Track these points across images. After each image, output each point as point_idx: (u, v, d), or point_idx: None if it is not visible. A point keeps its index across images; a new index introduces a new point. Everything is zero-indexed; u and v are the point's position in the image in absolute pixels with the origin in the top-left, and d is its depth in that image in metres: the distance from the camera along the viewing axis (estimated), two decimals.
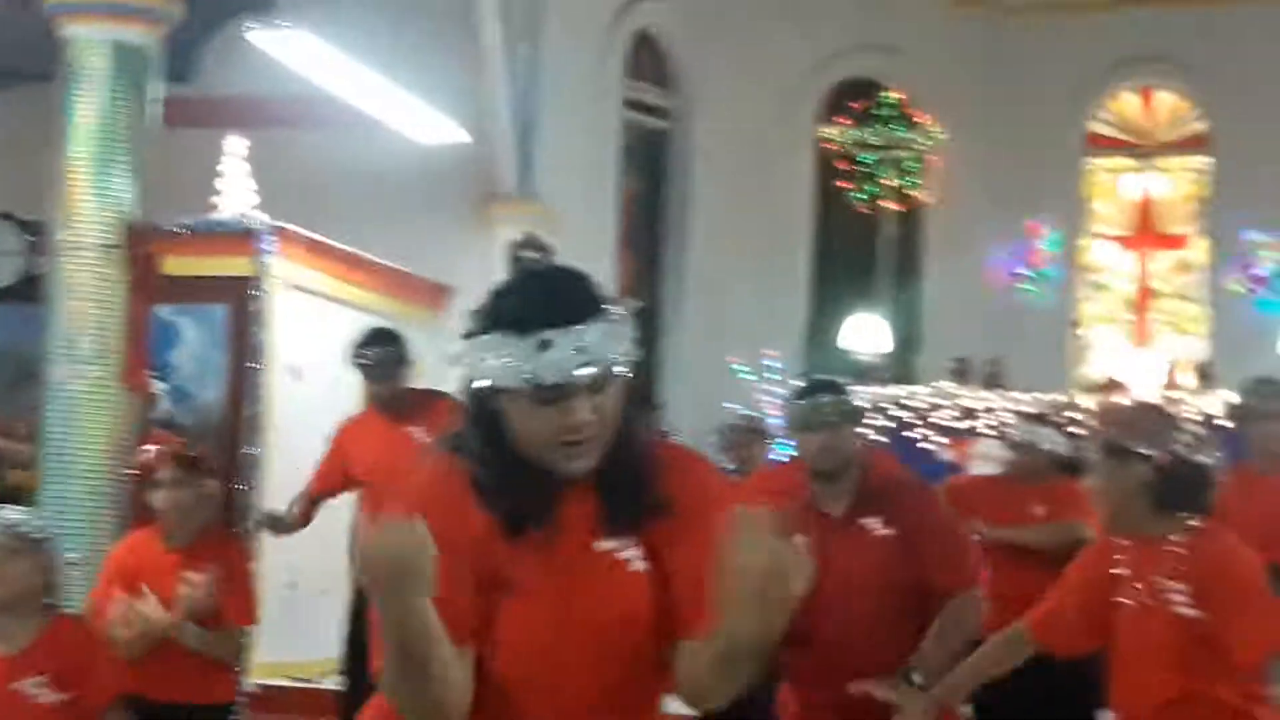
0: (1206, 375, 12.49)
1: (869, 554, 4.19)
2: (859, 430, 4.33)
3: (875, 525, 4.25)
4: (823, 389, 4.33)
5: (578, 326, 2.21)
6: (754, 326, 13.10)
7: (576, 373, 2.20)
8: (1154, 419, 3.99)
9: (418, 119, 10.34)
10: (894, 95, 14.27)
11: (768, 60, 13.92)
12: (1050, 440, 6.37)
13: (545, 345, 2.20)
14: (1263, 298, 13.10)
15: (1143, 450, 3.85)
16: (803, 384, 4.44)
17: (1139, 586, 3.85)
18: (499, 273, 11.44)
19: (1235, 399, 6.22)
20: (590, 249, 12.36)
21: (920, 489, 4.48)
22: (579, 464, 2.27)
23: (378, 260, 8.73)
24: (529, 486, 2.28)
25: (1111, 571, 3.90)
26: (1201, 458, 3.90)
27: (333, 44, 9.18)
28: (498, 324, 2.23)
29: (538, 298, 2.24)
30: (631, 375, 2.28)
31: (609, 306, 2.26)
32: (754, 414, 8.58)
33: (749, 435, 7.70)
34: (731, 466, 7.57)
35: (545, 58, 11.95)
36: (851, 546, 4.16)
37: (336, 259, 8.29)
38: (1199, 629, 3.73)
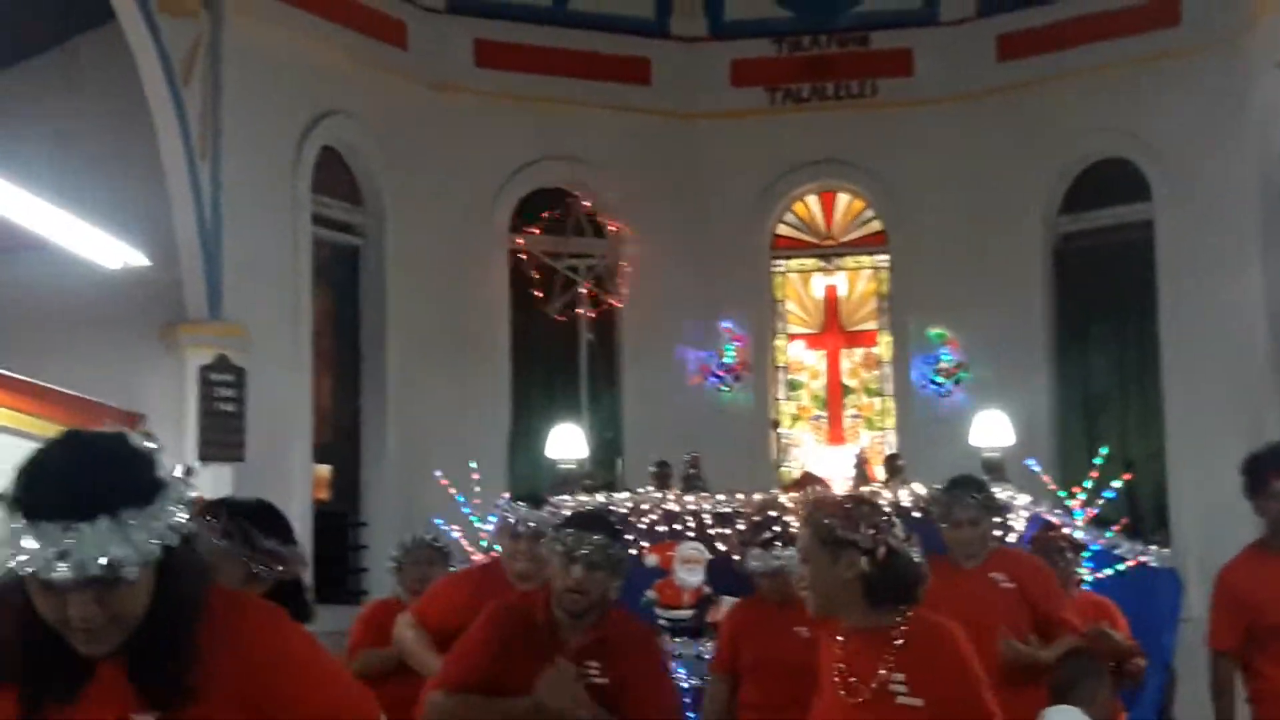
0: (895, 468, 12.82)
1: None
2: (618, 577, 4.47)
3: (595, 672, 4.29)
4: (595, 526, 4.43)
5: (76, 524, 2.11)
6: (457, 439, 13.02)
7: (53, 575, 2.12)
8: (867, 510, 4.06)
9: (97, 243, 10.05)
10: (582, 202, 14.44)
11: (457, 173, 13.96)
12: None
13: (35, 536, 2.12)
14: (946, 390, 13.54)
15: (859, 541, 3.90)
16: (574, 521, 4.57)
17: (855, 680, 3.89)
18: (191, 397, 11.16)
19: (925, 490, 6.44)
20: (284, 367, 12.16)
21: (644, 640, 4.58)
22: (91, 648, 2.21)
23: (60, 390, 8.42)
24: (51, 662, 2.21)
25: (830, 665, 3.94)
26: (912, 550, 3.99)
27: (3, 167, 8.88)
28: (11, 500, 2.16)
29: (41, 484, 2.15)
30: (175, 552, 2.21)
31: (137, 494, 2.17)
32: (435, 535, 8.49)
33: (429, 555, 7.61)
34: (408, 590, 7.44)
35: (229, 175, 11.77)
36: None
37: (14, 390, 7.98)
38: (921, 717, 3.79)
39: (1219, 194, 12.89)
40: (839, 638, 3.98)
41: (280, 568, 3.98)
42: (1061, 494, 11.30)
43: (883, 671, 3.88)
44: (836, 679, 3.93)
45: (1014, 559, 6.41)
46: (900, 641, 3.89)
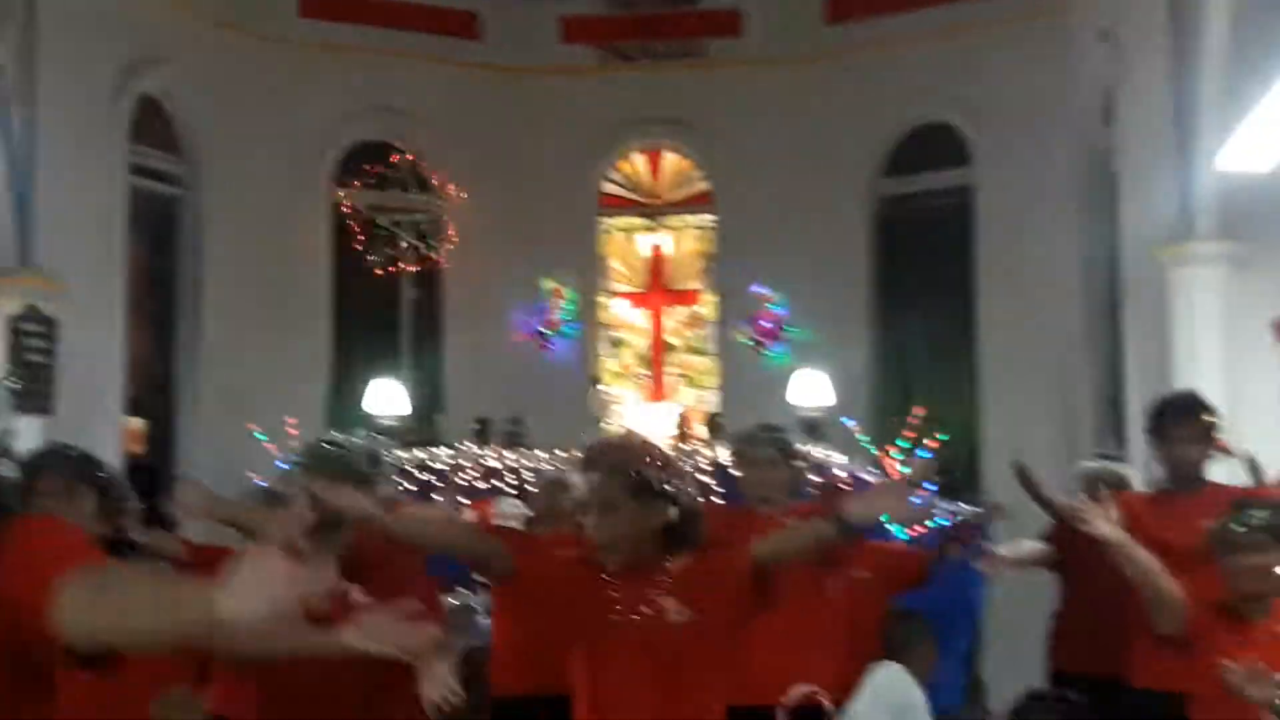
0: (715, 426, 12.91)
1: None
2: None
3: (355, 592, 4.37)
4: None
5: None
6: (275, 393, 12.85)
7: None
8: (675, 462, 4.14)
9: None
10: (408, 157, 14.30)
11: (280, 124, 13.74)
12: None
13: None
14: (768, 350, 13.65)
15: (672, 493, 3.96)
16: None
17: (631, 611, 3.98)
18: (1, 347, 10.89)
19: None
20: (97, 320, 11.90)
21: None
22: None
23: None
24: None
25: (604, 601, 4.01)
26: (696, 499, 4.07)
27: None
28: None
29: None
30: None
31: None
32: (272, 483, 8.41)
33: (267, 502, 7.54)
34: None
35: (43, 123, 11.45)
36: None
37: None
38: (691, 631, 3.90)
39: (1039, 161, 13.11)
40: (614, 578, 4.04)
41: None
42: (876, 452, 11.45)
43: (657, 599, 3.98)
44: (615, 615, 4.00)
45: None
46: (674, 574, 4.01)
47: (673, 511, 4.01)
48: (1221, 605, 5.06)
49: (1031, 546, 7.61)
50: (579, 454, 4.54)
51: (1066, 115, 12.93)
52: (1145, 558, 5.09)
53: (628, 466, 4.01)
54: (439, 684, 4.17)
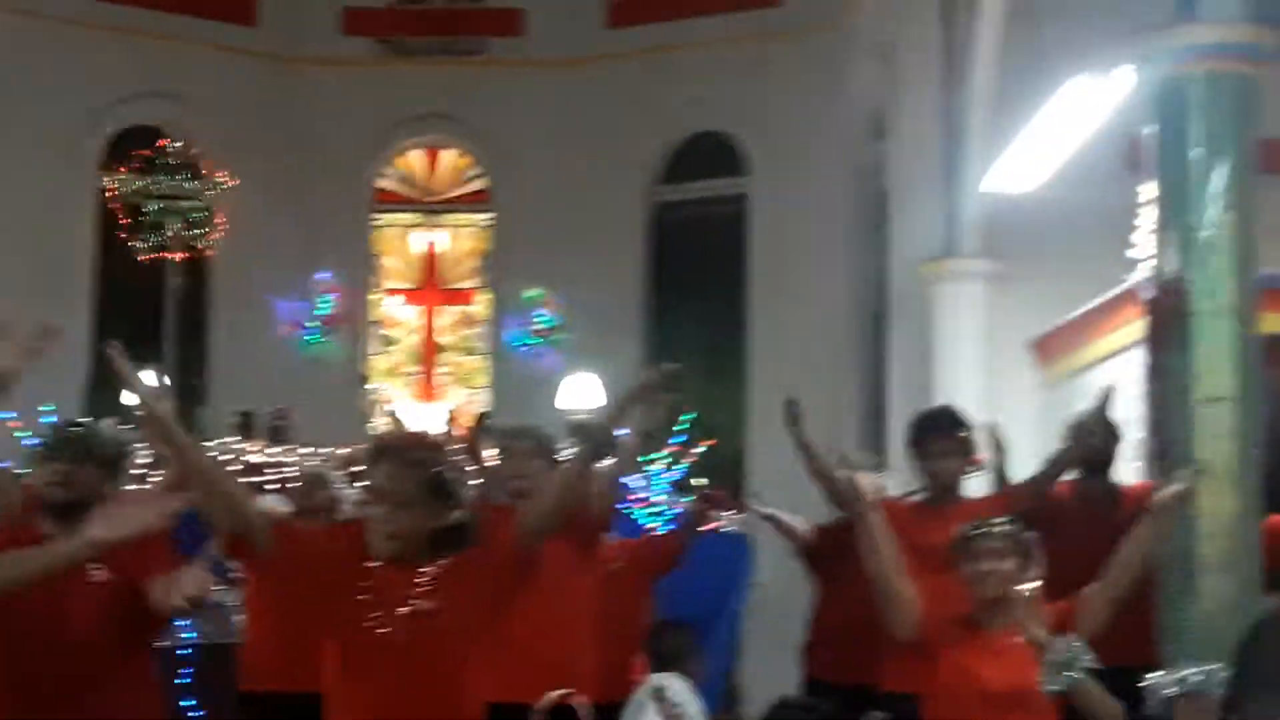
0: (484, 426, 12.83)
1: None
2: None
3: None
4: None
5: None
6: (32, 382, 12.41)
7: None
8: (462, 465, 4.15)
9: None
10: (178, 144, 13.98)
11: (46, 107, 13.35)
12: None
13: None
14: (539, 350, 13.63)
15: (461, 495, 3.96)
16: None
17: (385, 611, 3.98)
18: None
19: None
20: None
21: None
22: None
23: None
24: None
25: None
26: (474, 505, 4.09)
27: None
28: None
29: None
30: None
31: None
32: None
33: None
34: None
35: None
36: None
37: None
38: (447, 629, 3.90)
39: (813, 174, 13.29)
40: (377, 573, 4.02)
41: None
42: (644, 459, 11.49)
43: (416, 597, 3.97)
44: (371, 610, 3.97)
45: None
46: (437, 573, 4.00)
47: (456, 515, 3.99)
48: (960, 614, 5.16)
49: (792, 519, 7.66)
50: (367, 445, 4.48)
51: (840, 130, 13.14)
52: (890, 554, 5.16)
53: (428, 463, 3.98)
54: (191, 582, 4.11)
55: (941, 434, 6.49)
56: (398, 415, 9.54)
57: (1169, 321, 6.13)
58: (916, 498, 6.59)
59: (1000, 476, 7.10)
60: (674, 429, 11.49)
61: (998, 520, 5.23)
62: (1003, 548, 5.11)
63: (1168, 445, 6.13)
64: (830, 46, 13.13)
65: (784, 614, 8.18)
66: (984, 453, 6.85)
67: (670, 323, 14.25)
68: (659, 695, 6.08)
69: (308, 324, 13.75)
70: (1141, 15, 6.44)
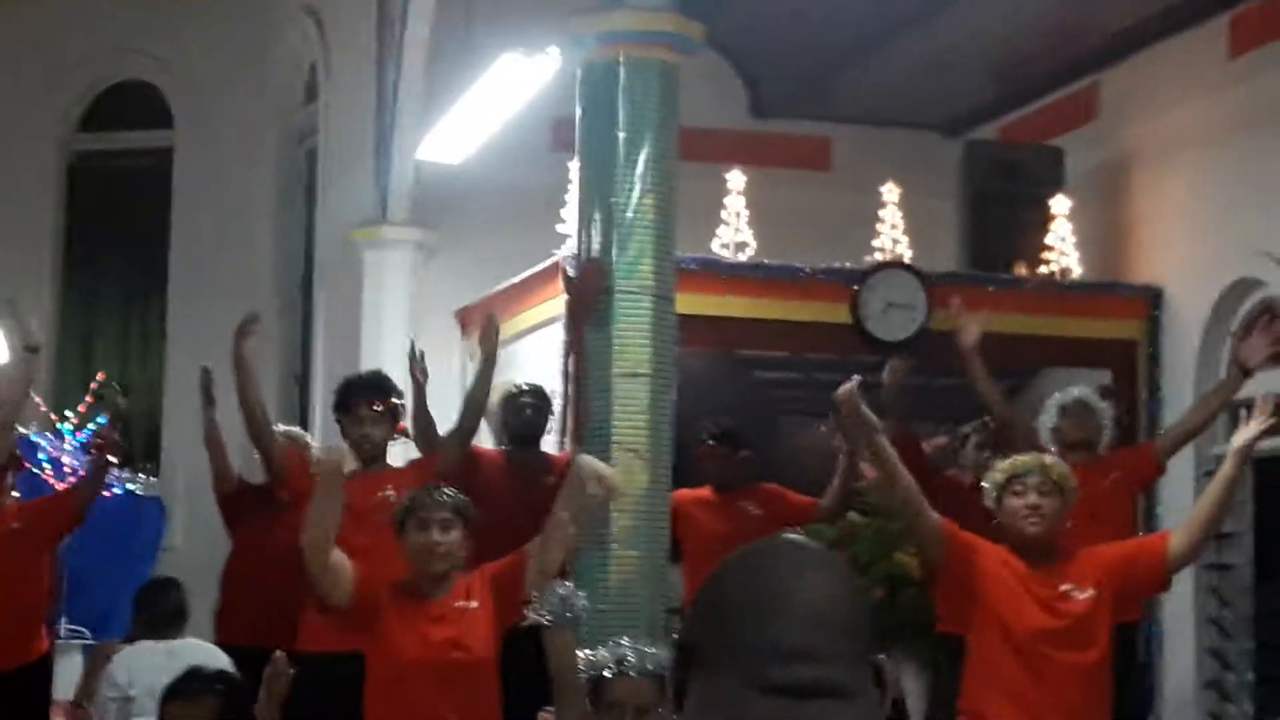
0: None
1: None
2: None
3: None
4: None
5: None
6: None
7: None
8: None
9: None
10: None
11: None
12: None
13: None
14: None
15: None
16: None
17: None
18: None
19: None
20: None
21: None
22: None
23: None
24: None
25: None
26: None
27: None
28: None
29: None
30: None
31: None
32: None
33: None
34: None
35: None
36: None
37: None
38: None
39: (241, 132, 12.95)
40: None
41: None
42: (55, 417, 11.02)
43: None
44: None
45: None
46: None
47: None
48: (401, 582, 5.18)
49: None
50: None
51: (271, 90, 12.88)
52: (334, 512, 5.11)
53: None
54: None
55: (369, 399, 6.49)
56: None
57: (590, 298, 6.30)
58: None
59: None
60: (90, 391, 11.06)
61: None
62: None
63: (587, 419, 6.31)
64: (264, 3, 12.83)
65: (197, 578, 7.94)
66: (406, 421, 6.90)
67: (86, 277, 13.63)
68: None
69: None
70: None
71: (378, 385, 6.64)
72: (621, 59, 6.40)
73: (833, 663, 1.48)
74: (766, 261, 9.03)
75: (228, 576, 7.37)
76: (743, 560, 1.56)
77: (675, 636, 1.60)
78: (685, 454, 7.37)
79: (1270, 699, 8.32)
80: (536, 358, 8.67)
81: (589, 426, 6.26)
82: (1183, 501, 8.57)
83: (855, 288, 8.85)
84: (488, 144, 9.53)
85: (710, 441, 7.60)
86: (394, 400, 6.57)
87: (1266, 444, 8.43)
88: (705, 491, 7.61)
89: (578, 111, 6.70)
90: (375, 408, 6.47)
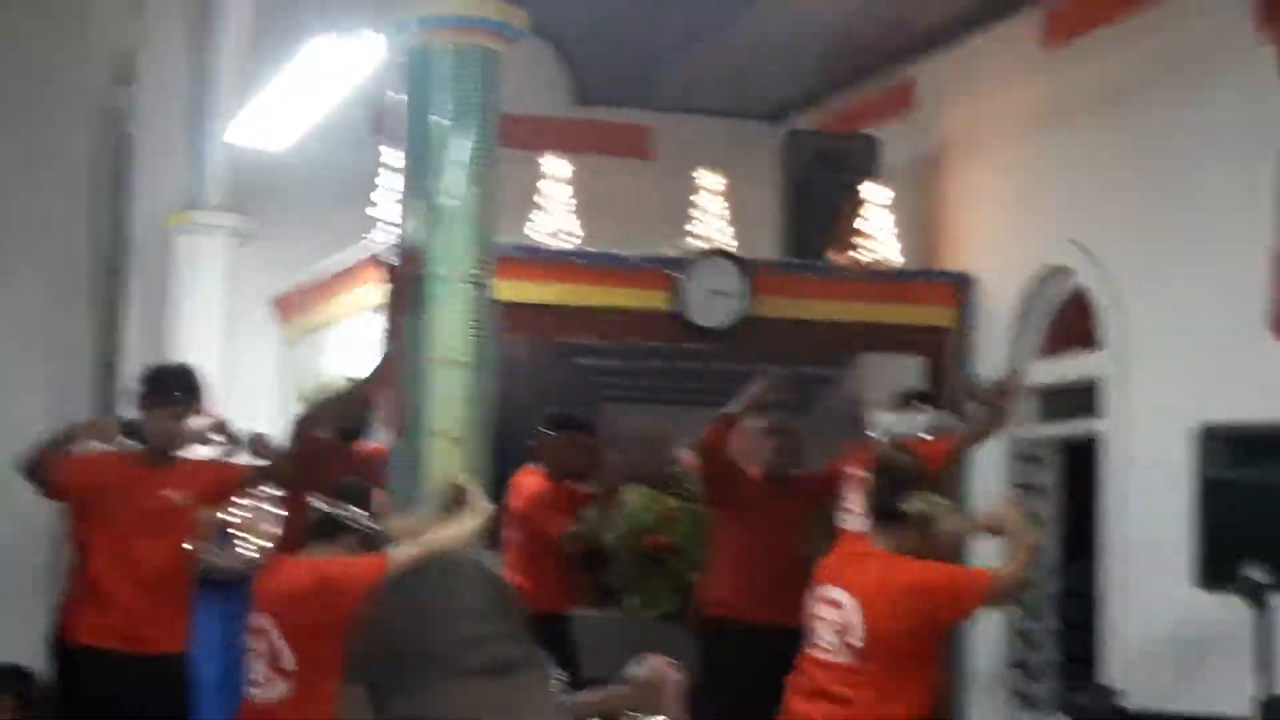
0: None
1: None
2: None
3: None
4: None
5: None
6: None
7: None
8: None
9: None
10: None
11: None
12: None
13: None
14: None
15: None
16: None
17: None
18: None
19: None
20: None
21: None
22: None
23: None
24: None
25: None
26: None
27: None
28: None
29: None
30: None
31: None
32: None
33: None
34: None
35: None
36: None
37: None
38: None
39: (50, 114, 12.56)
40: None
41: None
42: None
43: None
44: None
45: None
46: None
47: None
48: None
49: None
50: None
51: (83, 70, 12.57)
52: None
53: None
54: None
55: (168, 391, 6.40)
56: None
57: (408, 286, 6.26)
58: (137, 454, 6.46)
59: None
60: None
61: None
62: None
63: (405, 407, 6.27)
64: None
65: None
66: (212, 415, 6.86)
67: None
68: None
69: None
70: None
71: (177, 377, 6.55)
72: (444, 45, 6.36)
73: (517, 642, 1.78)
74: (588, 249, 9.06)
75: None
76: (400, 589, 1.83)
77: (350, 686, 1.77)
78: (507, 442, 7.40)
79: (1074, 677, 8.54)
80: (354, 345, 8.62)
81: (407, 415, 6.22)
82: (993, 484, 8.77)
83: (677, 275, 8.91)
84: (308, 130, 9.43)
85: (557, 431, 7.80)
86: (194, 394, 6.48)
87: (1072, 428, 8.73)
88: (541, 478, 7.79)
89: (399, 97, 6.65)
90: (174, 401, 6.38)
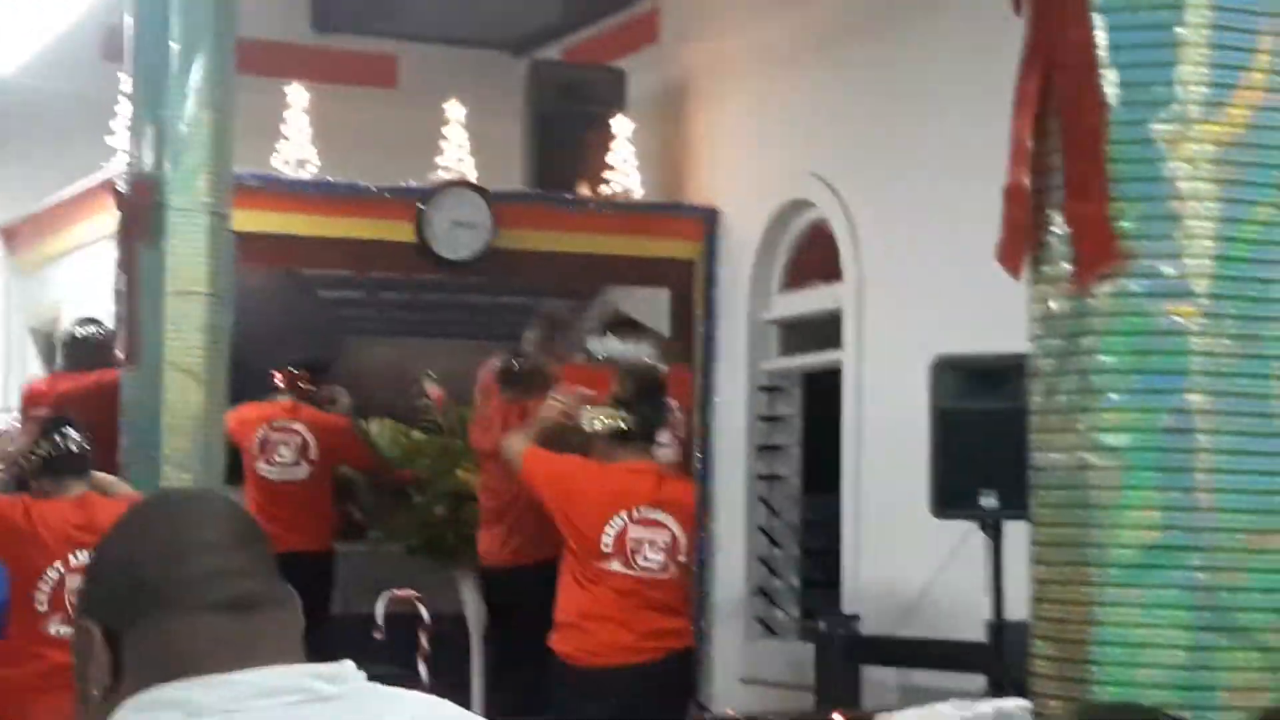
0: None
1: None
2: None
3: None
4: None
5: None
6: None
7: None
8: None
9: None
10: None
11: None
12: None
13: None
14: None
15: None
16: None
17: None
18: None
19: None
20: None
21: None
22: None
23: None
24: None
25: None
26: None
27: None
28: None
29: None
30: None
31: None
32: None
33: None
34: None
35: None
36: None
37: None
38: None
39: None
40: None
41: None
42: None
43: None
44: None
45: None
46: None
47: None
48: None
49: None
50: None
51: None
52: None
53: None
54: None
55: None
56: None
57: (141, 215, 6.08)
58: None
59: None
60: None
61: None
62: None
63: (139, 339, 6.10)
64: None
65: None
66: None
67: None
68: None
69: None
70: None
71: None
72: None
73: (261, 577, 1.73)
74: (330, 179, 8.90)
75: None
76: (142, 521, 1.78)
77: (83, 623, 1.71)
78: (246, 376, 7.27)
79: (814, 602, 8.73)
80: (87, 276, 8.37)
81: (142, 346, 6.06)
82: (737, 421, 8.90)
83: (420, 206, 8.81)
84: (37, 52, 9.09)
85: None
86: None
87: (813, 361, 8.89)
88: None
89: (128, 20, 6.42)
90: None
